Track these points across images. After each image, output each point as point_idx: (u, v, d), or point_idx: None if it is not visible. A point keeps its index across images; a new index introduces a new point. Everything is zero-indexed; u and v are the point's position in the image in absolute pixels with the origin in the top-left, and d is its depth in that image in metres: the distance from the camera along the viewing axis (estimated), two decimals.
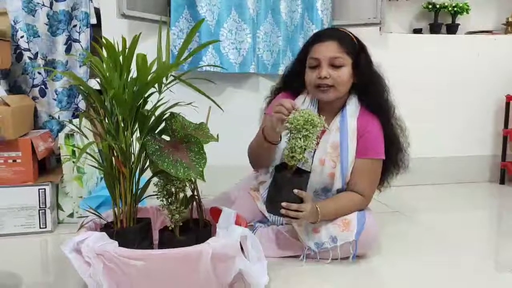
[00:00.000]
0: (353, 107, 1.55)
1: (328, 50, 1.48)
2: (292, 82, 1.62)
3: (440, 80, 2.62)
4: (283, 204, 1.33)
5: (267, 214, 1.61)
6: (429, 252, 1.61)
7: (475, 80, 2.67)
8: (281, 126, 1.35)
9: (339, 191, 1.53)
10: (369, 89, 1.53)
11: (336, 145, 1.51)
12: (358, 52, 1.51)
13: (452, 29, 2.73)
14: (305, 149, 1.28)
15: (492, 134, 2.75)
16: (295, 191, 1.33)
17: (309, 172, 1.41)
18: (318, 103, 1.58)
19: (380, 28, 2.45)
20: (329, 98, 1.51)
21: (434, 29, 2.72)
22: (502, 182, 2.72)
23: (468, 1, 2.70)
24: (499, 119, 2.71)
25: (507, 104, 2.65)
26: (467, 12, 2.71)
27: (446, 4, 2.66)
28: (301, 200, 1.35)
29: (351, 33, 1.56)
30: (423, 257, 1.57)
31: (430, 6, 2.68)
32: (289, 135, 1.31)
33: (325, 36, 1.53)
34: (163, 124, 1.27)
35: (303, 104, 1.58)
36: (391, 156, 1.56)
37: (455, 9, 2.67)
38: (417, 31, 2.73)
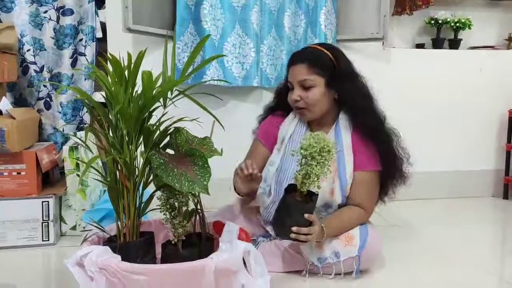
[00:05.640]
0: (346, 121, 1.56)
1: (297, 73, 1.53)
2: (283, 101, 1.64)
3: (442, 94, 2.63)
4: (294, 228, 1.31)
5: (269, 229, 1.61)
6: (432, 267, 1.60)
7: (477, 94, 2.67)
8: (247, 184, 1.45)
9: (339, 206, 1.53)
10: (352, 105, 1.53)
11: (333, 161, 1.50)
12: (332, 70, 1.51)
13: (454, 44, 2.75)
14: (319, 175, 1.26)
15: (495, 149, 2.75)
16: (306, 215, 1.32)
17: (317, 194, 1.37)
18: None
19: (383, 43, 2.47)
20: (306, 119, 1.58)
21: (437, 44, 2.74)
22: (505, 197, 2.70)
23: (470, 17, 2.72)
24: (502, 133, 2.71)
25: (510, 119, 2.66)
26: (470, 28, 2.73)
27: (448, 19, 2.69)
28: (310, 223, 1.34)
29: (326, 49, 1.55)
30: (426, 272, 1.56)
31: (432, 22, 2.70)
32: (301, 160, 1.28)
33: (296, 58, 1.56)
34: (167, 138, 1.27)
35: (293, 120, 1.61)
36: (389, 167, 1.53)
37: (458, 24, 2.69)
38: (420, 46, 2.75)
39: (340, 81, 1.52)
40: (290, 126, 1.61)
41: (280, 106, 1.67)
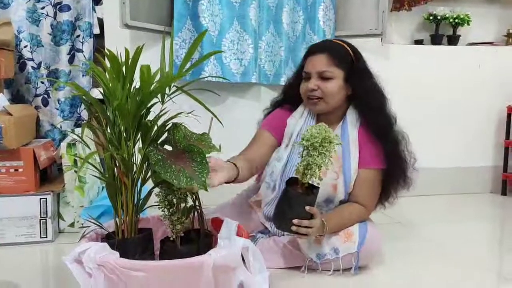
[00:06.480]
0: (353, 118, 1.55)
1: (317, 63, 1.51)
2: (291, 95, 1.63)
3: (441, 91, 2.63)
4: (295, 221, 1.30)
5: (268, 225, 1.61)
6: (431, 264, 1.60)
7: (476, 91, 2.68)
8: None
9: (341, 202, 1.52)
10: (366, 102, 1.52)
11: (338, 156, 1.50)
12: (351, 65, 1.51)
13: (453, 40, 2.74)
14: (321, 166, 1.26)
15: (494, 145, 2.75)
16: (307, 207, 1.31)
17: (318, 187, 1.36)
18: (316, 114, 1.58)
19: (381, 39, 2.47)
20: (319, 110, 1.55)
21: (435, 40, 2.73)
22: (503, 193, 2.71)
23: (469, 13, 2.72)
24: (500, 130, 2.72)
25: (509, 115, 2.66)
26: (468, 24, 2.72)
27: (447, 15, 2.68)
28: (311, 216, 1.34)
29: (346, 44, 1.55)
30: (425, 268, 1.56)
31: (431, 18, 2.70)
32: (303, 151, 1.27)
33: (317, 49, 1.55)
34: (165, 135, 1.27)
35: (302, 115, 1.60)
36: (393, 169, 1.53)
37: (456, 20, 2.69)
38: (418, 42, 2.75)
39: (358, 77, 1.51)
40: (298, 122, 1.59)
41: (288, 100, 1.66)
